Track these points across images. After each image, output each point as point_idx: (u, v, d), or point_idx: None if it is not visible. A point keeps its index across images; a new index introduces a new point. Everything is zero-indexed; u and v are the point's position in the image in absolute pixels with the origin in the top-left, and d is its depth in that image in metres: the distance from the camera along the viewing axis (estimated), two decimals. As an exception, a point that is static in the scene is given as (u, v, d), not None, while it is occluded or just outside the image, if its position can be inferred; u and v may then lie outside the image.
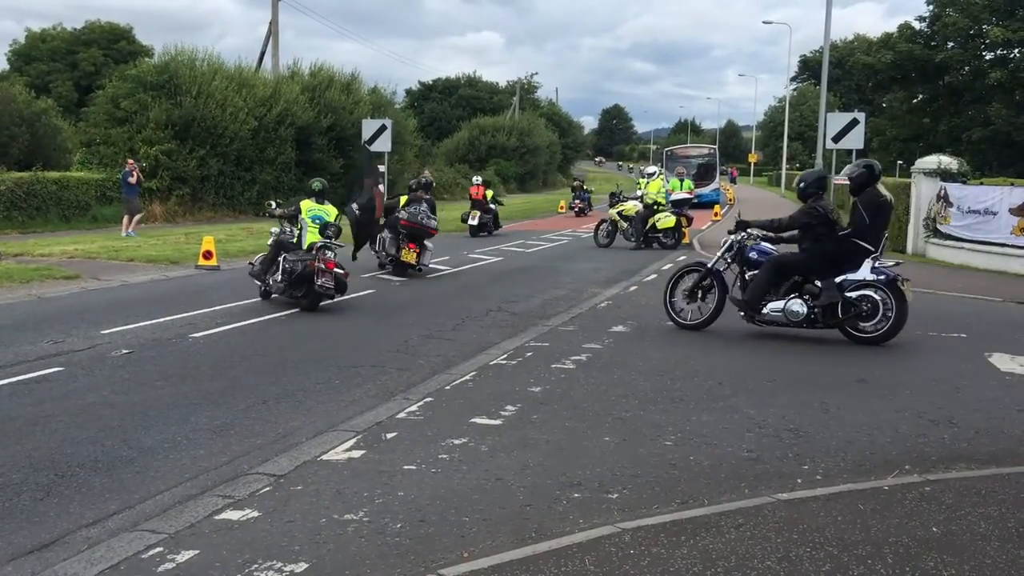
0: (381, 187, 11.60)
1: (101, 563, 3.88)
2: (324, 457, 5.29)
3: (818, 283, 8.94)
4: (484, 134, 61.35)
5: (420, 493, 4.67)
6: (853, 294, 8.83)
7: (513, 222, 27.78)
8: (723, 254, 9.69)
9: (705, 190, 36.36)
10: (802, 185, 9.41)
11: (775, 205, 44.85)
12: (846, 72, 70.16)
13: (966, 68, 42.57)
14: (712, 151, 45.21)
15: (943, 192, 18.77)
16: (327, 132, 33.64)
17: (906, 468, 5.20)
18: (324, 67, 37.16)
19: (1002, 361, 8.31)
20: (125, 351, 8.27)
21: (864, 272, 8.82)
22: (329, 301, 11.04)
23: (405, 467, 5.09)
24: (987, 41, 41.95)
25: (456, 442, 5.56)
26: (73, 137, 32.28)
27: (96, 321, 9.74)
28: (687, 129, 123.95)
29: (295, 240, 11.27)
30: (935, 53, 42.95)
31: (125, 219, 21.25)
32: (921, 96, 46.93)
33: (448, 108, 76.39)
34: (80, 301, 11.48)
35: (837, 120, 26.37)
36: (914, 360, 8.32)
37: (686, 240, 21.03)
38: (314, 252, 10.83)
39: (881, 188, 9.02)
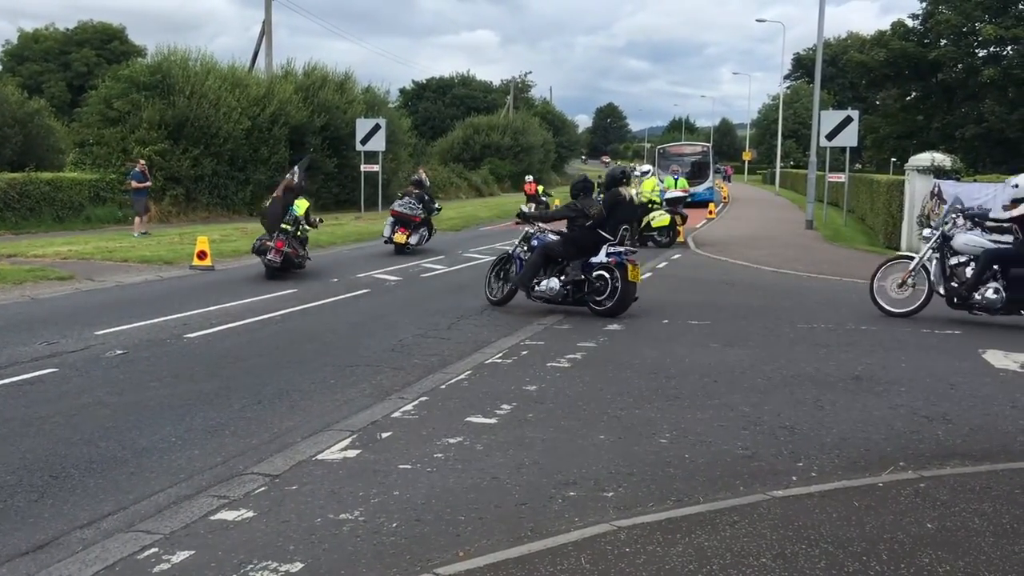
0: (294, 177, 14.21)
1: (96, 564, 3.87)
2: (319, 457, 5.28)
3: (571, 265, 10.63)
4: (478, 133, 61.24)
5: (415, 492, 4.67)
6: (593, 274, 10.44)
7: (508, 220, 27.74)
8: (520, 242, 11.43)
9: (699, 189, 36.25)
10: (571, 186, 11.31)
11: (769, 202, 44.94)
12: (840, 70, 70.26)
13: (959, 65, 42.65)
14: (706, 149, 45.02)
15: (937, 189, 18.81)
16: (321, 132, 33.56)
17: (901, 465, 5.22)
18: (318, 66, 37.09)
19: (996, 358, 8.34)
20: (119, 352, 8.25)
21: (601, 256, 10.43)
22: (280, 271, 13.61)
23: (400, 466, 5.09)
24: (980, 38, 42.04)
25: (451, 441, 5.56)
26: (66, 138, 32.14)
27: (90, 322, 9.72)
28: (681, 127, 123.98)
29: None
30: (928, 51, 43.02)
31: (137, 220, 21.34)
32: (914, 93, 47.00)
33: (442, 107, 76.26)
34: (74, 302, 11.45)
35: (831, 118, 26.48)
36: (908, 357, 8.34)
37: (680, 239, 21.04)
38: (274, 234, 13.52)
39: (622, 189, 11.05)
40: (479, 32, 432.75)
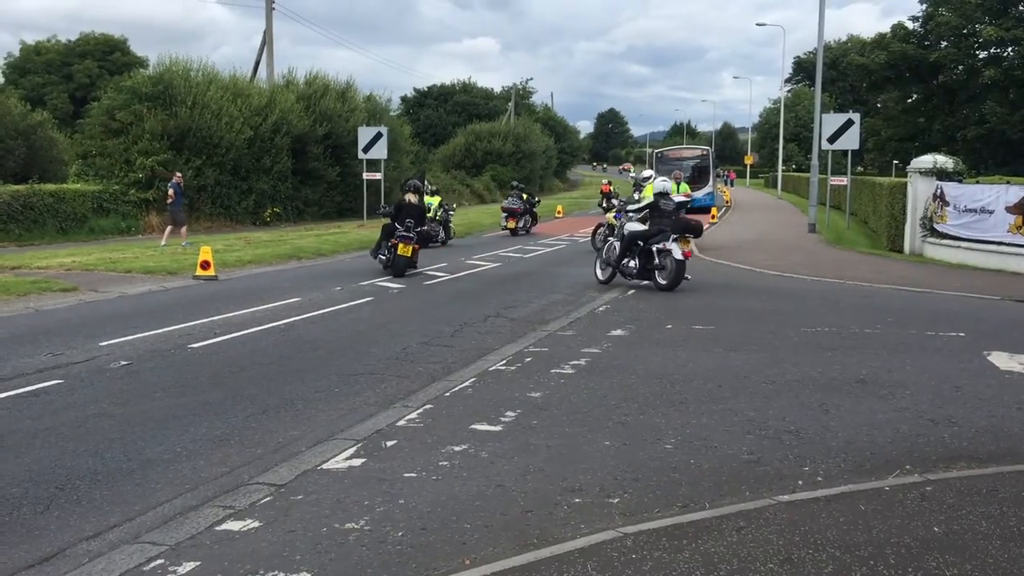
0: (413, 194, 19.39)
1: (102, 576, 3.87)
2: (324, 466, 5.28)
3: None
4: (480, 140, 61.30)
5: (421, 501, 4.67)
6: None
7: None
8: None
9: (698, 194, 35.68)
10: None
11: (772, 206, 44.92)
12: (840, 73, 70.35)
13: (960, 67, 42.69)
14: (705, 152, 44.33)
15: (939, 191, 18.80)
16: (323, 140, 33.64)
17: (907, 468, 5.21)
18: (319, 75, 37.20)
19: (1001, 359, 8.32)
20: (124, 363, 8.26)
21: (393, 238, 15.38)
22: (421, 243, 17.39)
23: (405, 475, 5.09)
24: (980, 40, 42.07)
25: (456, 449, 5.56)
26: (69, 149, 32.23)
27: (94, 333, 9.74)
28: (683, 132, 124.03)
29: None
30: (929, 53, 43.07)
31: (168, 229, 21.44)
32: (915, 96, 47.05)
33: (443, 114, 76.35)
34: (78, 313, 11.46)
35: (832, 121, 26.48)
36: (913, 360, 8.32)
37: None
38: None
39: (406, 196, 15.95)
40: (480, 39, 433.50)
